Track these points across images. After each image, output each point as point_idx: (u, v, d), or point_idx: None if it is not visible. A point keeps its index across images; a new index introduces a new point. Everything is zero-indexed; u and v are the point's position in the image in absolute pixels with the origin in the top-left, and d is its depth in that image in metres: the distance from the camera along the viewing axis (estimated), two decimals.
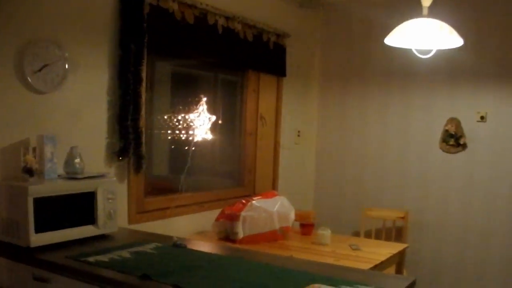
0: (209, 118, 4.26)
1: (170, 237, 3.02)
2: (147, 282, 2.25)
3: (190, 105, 4.29)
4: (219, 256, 2.77)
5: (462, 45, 3.51)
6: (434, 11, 3.47)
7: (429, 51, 3.67)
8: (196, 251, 2.84)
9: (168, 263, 2.57)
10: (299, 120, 5.58)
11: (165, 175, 4.52)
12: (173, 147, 4.36)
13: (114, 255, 2.65)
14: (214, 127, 4.35)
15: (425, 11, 3.44)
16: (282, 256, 3.15)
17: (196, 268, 2.49)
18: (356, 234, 5.21)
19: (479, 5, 4.83)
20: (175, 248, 2.86)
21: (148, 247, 2.83)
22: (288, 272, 2.50)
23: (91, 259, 2.56)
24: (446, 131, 5.01)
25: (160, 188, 4.23)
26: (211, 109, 4.44)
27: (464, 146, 4.95)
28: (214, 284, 2.27)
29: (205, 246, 3.07)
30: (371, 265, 3.47)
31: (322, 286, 2.21)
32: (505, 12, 4.73)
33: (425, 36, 3.47)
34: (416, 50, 3.68)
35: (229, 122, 4.91)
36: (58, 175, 3.05)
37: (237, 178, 4.97)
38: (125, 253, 2.69)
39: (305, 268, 2.61)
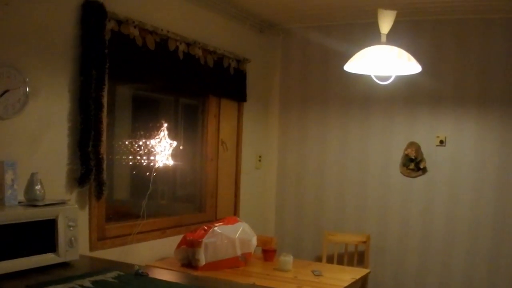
0: (170, 144, 4.25)
1: (132, 265, 2.98)
2: None
3: (151, 130, 4.28)
4: (179, 285, 2.75)
5: (421, 71, 3.60)
6: (392, 38, 3.55)
7: (388, 77, 3.75)
8: (157, 280, 2.81)
9: None
10: (260, 145, 5.61)
11: (127, 200, 4.49)
12: (134, 172, 4.34)
13: (75, 284, 2.60)
14: (175, 152, 4.33)
15: (383, 38, 3.53)
16: (244, 284, 3.14)
17: None
18: (318, 258, 5.23)
19: (435, 31, 4.98)
20: (137, 276, 2.83)
21: (110, 276, 2.79)
22: None
23: None
24: (406, 155, 5.09)
25: (121, 213, 4.21)
26: (173, 134, 4.44)
27: (424, 170, 5.03)
28: None
29: (166, 275, 3.03)
30: None
31: None
32: (461, 39, 4.88)
33: (384, 62, 3.57)
34: (375, 76, 3.76)
35: (191, 147, 4.92)
36: (19, 202, 3.00)
37: (198, 204, 4.96)
38: (86, 282, 2.64)
39: None
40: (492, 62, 4.74)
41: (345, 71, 3.79)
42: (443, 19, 4.89)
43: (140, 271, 2.86)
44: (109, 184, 3.82)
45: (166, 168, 4.29)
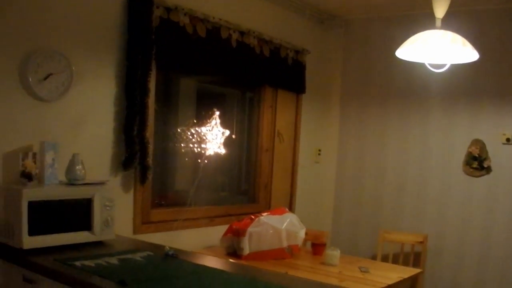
0: (223, 132, 4.25)
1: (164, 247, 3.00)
2: None
3: (204, 118, 4.30)
4: (205, 268, 2.73)
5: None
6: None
7: (443, 65, 3.58)
8: (185, 261, 2.81)
9: (152, 271, 2.55)
10: (319, 138, 5.53)
11: (176, 188, 4.53)
12: (186, 159, 4.35)
13: (102, 261, 2.65)
14: (228, 142, 4.33)
15: (438, 23, 3.35)
16: (272, 272, 3.08)
17: (176, 278, 2.47)
18: (374, 257, 5.07)
19: (500, 19, 4.72)
20: (166, 257, 2.84)
21: (139, 255, 2.82)
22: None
23: (77, 263, 2.57)
24: (470, 153, 4.86)
25: (169, 200, 4.25)
26: (225, 124, 4.45)
27: (488, 169, 4.78)
28: None
29: (197, 258, 3.02)
30: None
31: None
32: None
33: (437, 48, 3.38)
34: (430, 64, 3.60)
35: (244, 138, 4.91)
36: (60, 181, 3.09)
37: (251, 195, 4.93)
38: (113, 260, 2.68)
39: (294, 285, 2.55)
40: None
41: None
42: (507, 7, 4.63)
43: (170, 253, 2.87)
44: (156, 170, 3.88)
45: (218, 157, 4.29)
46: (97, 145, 3.47)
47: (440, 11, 3.37)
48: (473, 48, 3.29)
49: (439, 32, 3.30)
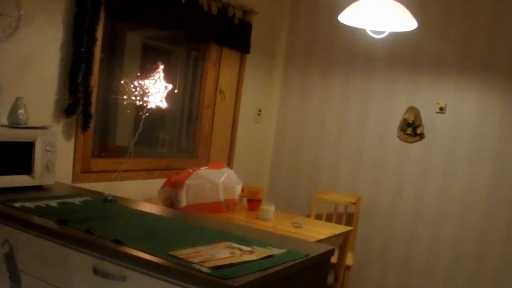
0: (165, 87, 4.27)
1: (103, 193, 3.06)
2: (62, 227, 2.29)
3: (148, 72, 4.30)
4: (143, 212, 2.81)
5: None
6: None
7: (382, 32, 3.70)
8: (122, 206, 2.89)
9: (91, 213, 2.61)
10: (260, 99, 5.62)
11: (116, 140, 4.55)
12: (128, 111, 4.37)
13: (41, 203, 2.68)
14: (170, 96, 4.36)
15: None
16: (205, 217, 3.18)
17: (114, 219, 2.54)
18: (308, 216, 5.26)
19: None
20: (105, 202, 2.90)
21: (78, 200, 2.87)
22: (205, 230, 2.55)
23: (17, 204, 2.59)
24: (405, 119, 5.04)
25: (109, 152, 4.28)
26: (169, 80, 4.47)
27: (421, 136, 4.98)
28: (125, 231, 2.32)
29: (135, 204, 3.10)
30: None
31: (234, 244, 2.27)
32: (471, 2, 4.76)
33: (377, 15, 3.49)
34: (370, 30, 3.72)
35: (187, 94, 4.95)
36: (1, 124, 3.07)
37: (191, 150, 5.00)
38: (53, 203, 2.72)
39: (223, 228, 2.66)
40: (501, 29, 4.62)
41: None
42: None
43: (109, 198, 2.93)
44: (101, 120, 3.89)
45: (160, 112, 4.31)
46: (41, 89, 3.45)
47: None
48: (412, 17, 3.42)
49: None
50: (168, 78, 4.29)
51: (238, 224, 3.12)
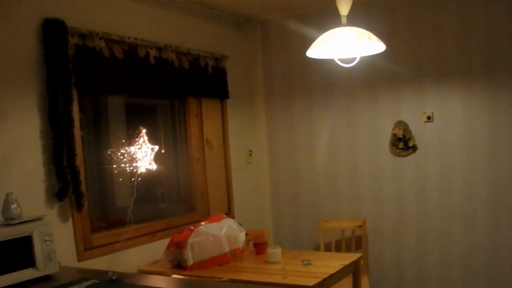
0: (152, 149, 4.31)
1: (107, 272, 3.06)
2: None
3: (132, 137, 4.35)
4: None
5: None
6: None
7: (353, 59, 3.75)
8: (129, 285, 2.88)
9: None
10: (248, 139, 5.66)
11: (116, 206, 4.57)
12: (120, 179, 4.40)
13: None
14: (159, 156, 4.40)
15: (344, 20, 3.49)
16: (214, 281, 3.16)
17: None
18: (317, 247, 5.25)
19: (411, 3, 4.94)
20: (110, 283, 2.90)
21: (84, 285, 2.87)
22: None
23: None
24: (394, 135, 5.06)
25: (111, 220, 4.30)
26: (156, 136, 4.53)
27: (414, 148, 4.99)
28: None
29: (141, 279, 3.10)
30: (319, 280, 3.53)
31: None
32: (438, 10, 4.82)
33: (345, 44, 3.54)
34: (340, 59, 3.76)
35: (177, 148, 4.98)
36: None
37: (189, 204, 5.02)
38: None
39: None
40: (473, 34, 4.68)
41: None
42: None
43: (113, 278, 2.93)
44: (91, 195, 3.93)
45: (151, 173, 4.35)
46: (29, 180, 3.48)
47: (344, 8, 3.53)
48: (379, 41, 3.46)
49: (345, 29, 3.43)
50: (154, 136, 4.36)
51: (244, 285, 3.08)
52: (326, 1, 4.92)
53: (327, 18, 4.87)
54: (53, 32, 3.55)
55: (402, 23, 4.96)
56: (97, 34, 3.87)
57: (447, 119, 4.86)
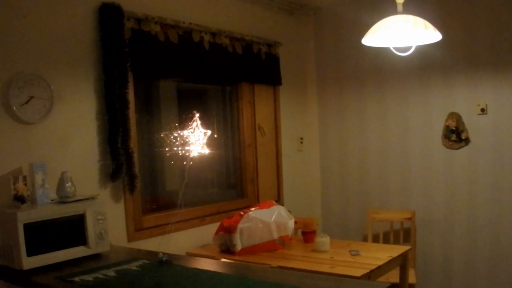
0: (205, 133, 4.35)
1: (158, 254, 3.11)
2: None
3: (185, 121, 4.39)
4: (197, 271, 2.84)
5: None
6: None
7: (408, 48, 3.69)
8: (178, 266, 2.92)
9: (148, 280, 2.65)
10: (300, 127, 5.65)
11: (166, 189, 4.64)
12: (172, 162, 4.45)
13: (100, 274, 2.75)
14: (211, 141, 4.43)
15: (399, 8, 3.42)
16: (261, 267, 3.18)
17: (171, 285, 2.57)
18: (365, 238, 5.21)
19: None
20: (160, 264, 2.95)
21: (134, 265, 2.93)
22: (262, 284, 2.56)
23: (77, 279, 2.67)
24: (447, 126, 4.96)
25: (161, 202, 4.37)
26: (207, 121, 4.56)
27: (467, 140, 4.89)
28: None
29: (190, 262, 3.13)
30: (367, 271, 3.50)
31: None
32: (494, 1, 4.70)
33: (401, 33, 3.47)
34: (395, 48, 3.70)
35: (228, 134, 5.02)
36: (52, 200, 3.19)
37: (239, 190, 5.05)
38: (111, 272, 2.79)
39: (280, 279, 2.66)
40: None
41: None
42: None
43: (164, 259, 2.98)
44: (144, 177, 3.99)
45: (203, 156, 4.39)
46: (84, 160, 3.56)
47: None
48: (435, 29, 3.38)
49: (401, 17, 3.35)
50: (206, 121, 4.39)
51: (292, 272, 3.08)
52: None
53: (382, 4, 4.80)
54: (109, 16, 3.61)
55: (456, 10, 4.84)
56: (153, 18, 3.92)
57: (501, 112, 4.72)
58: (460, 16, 4.83)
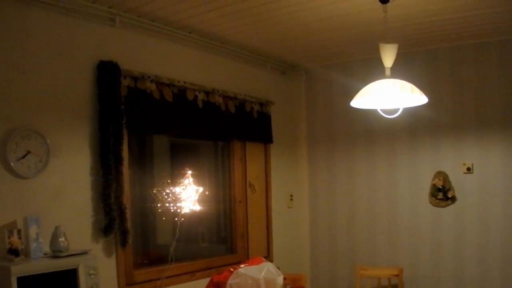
0: (196, 190, 4.42)
1: None
2: None
3: (177, 177, 4.46)
4: None
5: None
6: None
7: (396, 111, 3.80)
8: None
9: None
10: (290, 184, 5.72)
11: (157, 243, 4.67)
12: (164, 218, 4.50)
13: None
14: (203, 196, 4.49)
15: (387, 72, 3.57)
16: None
17: None
18: None
19: (451, 53, 5.00)
20: None
21: None
22: None
23: None
24: (434, 185, 5.06)
25: (152, 257, 4.39)
26: (200, 175, 4.63)
27: (453, 199, 4.97)
28: None
29: None
30: None
31: None
32: (478, 63, 4.87)
33: (388, 96, 3.60)
34: (382, 110, 3.82)
35: (219, 189, 5.08)
36: (44, 254, 3.24)
37: (229, 245, 5.09)
38: None
39: None
40: None
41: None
42: (459, 44, 4.94)
43: None
44: (136, 231, 4.03)
45: (194, 213, 4.44)
46: (78, 214, 3.61)
47: (388, 61, 3.59)
48: (421, 93, 3.51)
49: (389, 81, 3.49)
50: (198, 176, 4.46)
51: None
52: (370, 50, 4.99)
53: (371, 66, 4.95)
54: (107, 73, 3.73)
55: (443, 72, 5.02)
56: (149, 77, 4.04)
57: (487, 171, 4.84)
58: (446, 80, 5.00)
